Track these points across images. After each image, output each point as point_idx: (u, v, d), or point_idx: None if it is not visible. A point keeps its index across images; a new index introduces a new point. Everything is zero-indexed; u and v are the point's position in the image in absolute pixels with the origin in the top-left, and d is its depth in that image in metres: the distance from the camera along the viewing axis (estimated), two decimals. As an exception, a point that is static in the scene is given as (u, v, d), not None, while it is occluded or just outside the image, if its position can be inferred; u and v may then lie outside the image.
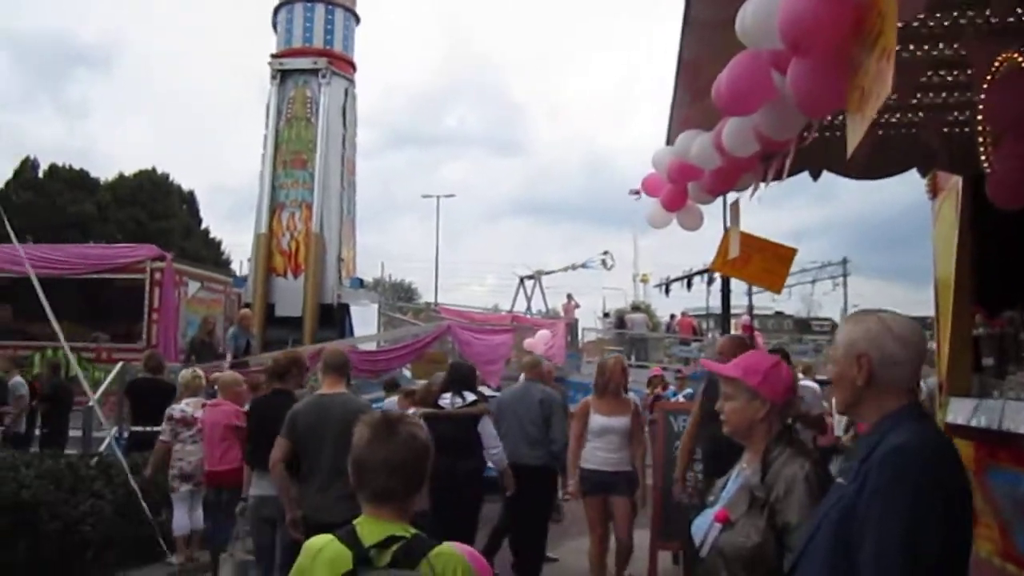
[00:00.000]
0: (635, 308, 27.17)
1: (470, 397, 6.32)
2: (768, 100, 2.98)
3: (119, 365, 9.94)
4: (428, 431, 2.11)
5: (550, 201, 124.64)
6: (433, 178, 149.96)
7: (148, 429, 8.00)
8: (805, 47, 2.14)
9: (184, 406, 7.26)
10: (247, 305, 15.50)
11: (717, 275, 22.10)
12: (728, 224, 5.36)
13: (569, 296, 25.91)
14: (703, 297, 29.32)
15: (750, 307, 25.36)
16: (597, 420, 6.26)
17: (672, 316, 26.57)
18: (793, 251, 5.24)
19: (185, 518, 7.17)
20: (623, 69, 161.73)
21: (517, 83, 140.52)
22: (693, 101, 4.46)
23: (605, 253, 36.52)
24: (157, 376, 8.97)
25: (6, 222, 8.39)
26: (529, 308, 32.60)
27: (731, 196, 5.03)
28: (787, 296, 35.92)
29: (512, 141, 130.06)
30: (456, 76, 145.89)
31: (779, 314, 43.20)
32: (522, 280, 36.12)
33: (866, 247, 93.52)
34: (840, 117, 4.71)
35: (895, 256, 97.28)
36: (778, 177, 3.94)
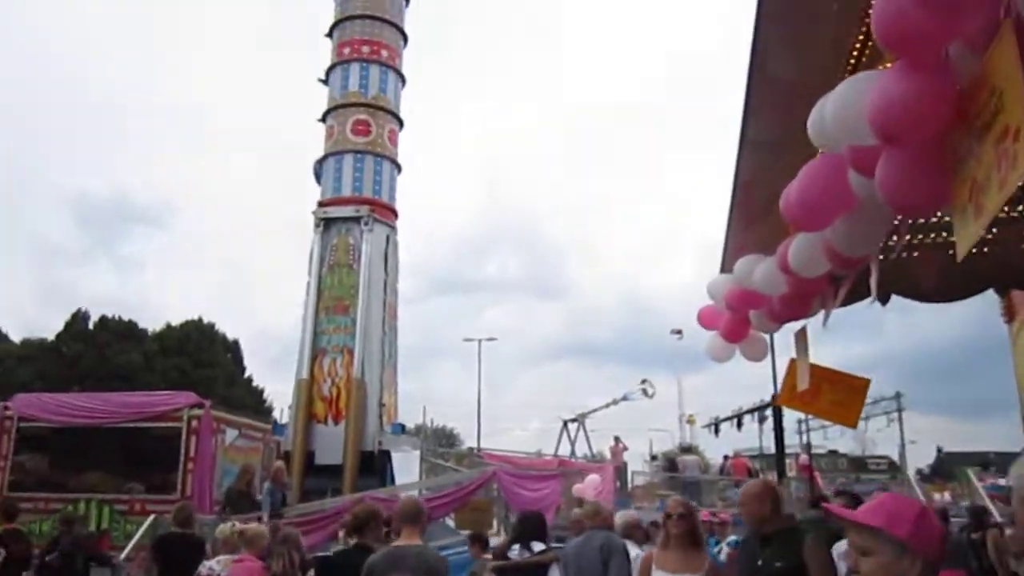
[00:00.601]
0: (685, 450, 26.28)
1: (538, 547, 6.24)
2: (844, 211, 2.71)
3: (151, 518, 9.58)
4: None
5: (592, 344, 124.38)
6: (475, 323, 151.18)
7: (175, 588, 7.52)
8: (900, 136, 1.87)
9: (214, 563, 6.80)
10: (286, 455, 15.17)
11: (768, 413, 21.30)
12: (791, 355, 5.00)
13: (616, 439, 25.09)
14: (755, 437, 28.35)
15: (808, 445, 24.30)
16: None
17: (726, 457, 25.58)
18: (866, 381, 4.84)
19: None
20: (664, 211, 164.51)
21: (557, 228, 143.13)
22: (750, 225, 4.24)
23: (644, 381, 35.89)
24: (186, 530, 8.53)
25: None
26: (573, 452, 31.75)
27: (793, 324, 4.73)
28: (839, 434, 34.69)
29: (553, 285, 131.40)
30: (496, 223, 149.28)
31: (833, 452, 41.45)
32: (566, 424, 35.45)
33: (920, 381, 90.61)
34: (907, 237, 4.44)
35: (952, 388, 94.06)
36: (854, 299, 3.62)
